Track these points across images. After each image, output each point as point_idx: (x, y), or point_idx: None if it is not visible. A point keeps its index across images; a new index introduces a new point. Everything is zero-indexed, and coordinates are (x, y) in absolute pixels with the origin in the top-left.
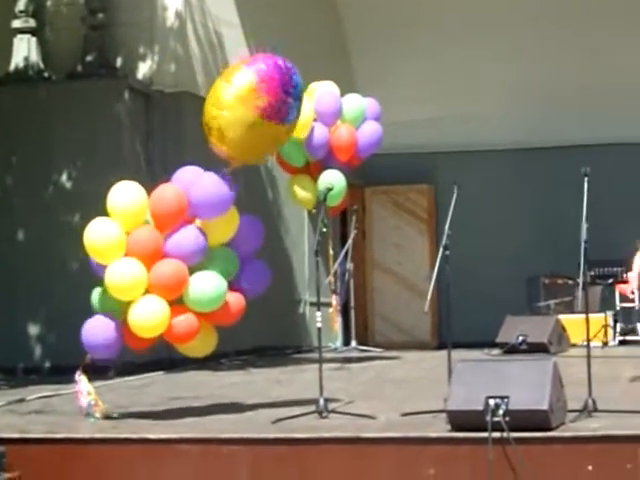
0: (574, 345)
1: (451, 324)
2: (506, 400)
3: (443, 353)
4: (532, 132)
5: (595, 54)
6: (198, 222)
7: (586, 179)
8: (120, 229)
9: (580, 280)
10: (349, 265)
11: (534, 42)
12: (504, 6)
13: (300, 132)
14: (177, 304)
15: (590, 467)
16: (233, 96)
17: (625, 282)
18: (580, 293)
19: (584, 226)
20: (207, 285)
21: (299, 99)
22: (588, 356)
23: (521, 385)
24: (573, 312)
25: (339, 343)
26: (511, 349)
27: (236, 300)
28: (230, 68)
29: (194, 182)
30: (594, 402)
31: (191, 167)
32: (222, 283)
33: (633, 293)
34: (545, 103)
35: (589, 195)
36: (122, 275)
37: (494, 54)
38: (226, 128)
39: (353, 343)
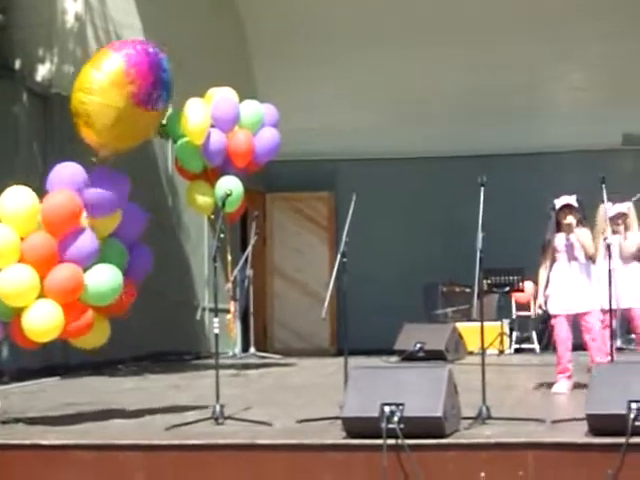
0: (471, 353)
1: (349, 331)
2: (401, 407)
3: (341, 360)
4: (431, 141)
5: (492, 61)
6: (85, 217)
7: (482, 188)
8: (14, 234)
9: (475, 288)
10: (249, 271)
11: (428, 52)
12: (399, 18)
13: (197, 138)
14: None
15: (483, 474)
16: (103, 81)
17: (521, 290)
18: (475, 301)
19: (480, 235)
20: (104, 279)
21: (169, 85)
22: (482, 364)
23: (416, 392)
24: (470, 320)
25: (238, 349)
26: (409, 356)
27: (128, 289)
28: (98, 54)
29: (79, 180)
30: (488, 409)
31: (68, 163)
32: (118, 274)
33: (540, 307)
34: (443, 112)
35: (487, 204)
36: (13, 282)
37: (395, 63)
38: (95, 114)
39: (252, 349)
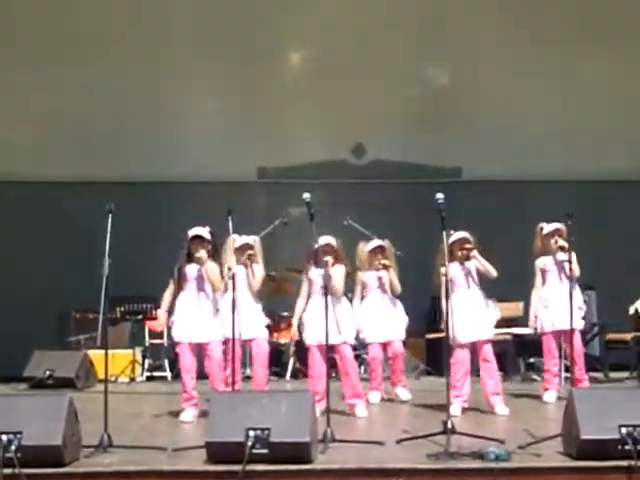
0: (102, 380)
1: None
2: (19, 436)
3: None
4: (71, 164)
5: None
6: None
7: (110, 215)
8: None
9: (100, 316)
10: None
11: (80, 70)
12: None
13: None
14: None
15: None
16: None
17: (154, 319)
18: (100, 329)
19: (106, 262)
20: None
21: None
22: (105, 391)
23: (35, 420)
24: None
25: None
26: (38, 384)
27: None
28: None
29: None
30: (110, 437)
31: None
32: None
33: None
34: (90, 136)
35: (123, 231)
36: None
37: (23, 82)
38: None
39: None
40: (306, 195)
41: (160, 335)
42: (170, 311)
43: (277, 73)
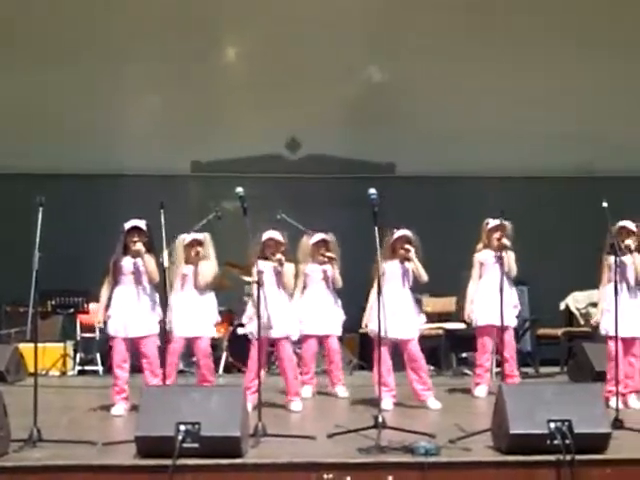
0: (32, 374)
1: None
2: None
3: None
4: (9, 158)
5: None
6: None
7: (40, 208)
8: None
9: (30, 309)
10: None
11: None
12: None
13: None
14: None
15: None
16: None
17: (86, 312)
18: (29, 322)
19: (36, 255)
20: None
21: None
22: (35, 385)
23: None
24: (28, 341)
25: None
26: None
27: None
28: None
29: None
30: (39, 432)
31: None
32: None
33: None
34: (20, 129)
35: (54, 224)
36: None
37: None
38: None
39: None
40: (239, 189)
41: (92, 329)
42: (107, 305)
43: (212, 68)
